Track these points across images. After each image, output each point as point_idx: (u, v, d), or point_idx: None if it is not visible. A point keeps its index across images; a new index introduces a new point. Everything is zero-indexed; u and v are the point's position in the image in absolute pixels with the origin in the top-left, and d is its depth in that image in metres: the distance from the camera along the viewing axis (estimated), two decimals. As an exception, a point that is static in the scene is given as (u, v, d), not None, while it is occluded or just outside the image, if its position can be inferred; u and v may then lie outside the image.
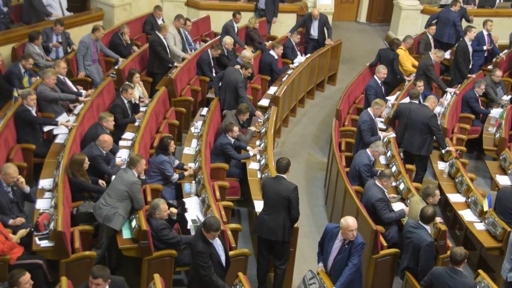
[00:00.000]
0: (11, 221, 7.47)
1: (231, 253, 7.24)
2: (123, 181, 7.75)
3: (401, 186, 9.04)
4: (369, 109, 10.01)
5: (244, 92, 10.69)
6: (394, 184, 9.03)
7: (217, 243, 6.82)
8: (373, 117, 9.95)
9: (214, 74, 11.80)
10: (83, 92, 10.50)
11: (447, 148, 9.89)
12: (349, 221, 6.82)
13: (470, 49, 12.87)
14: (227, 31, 12.96)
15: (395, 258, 8.04)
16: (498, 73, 12.14)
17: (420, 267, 7.32)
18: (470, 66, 12.99)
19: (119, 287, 6.41)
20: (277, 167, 7.83)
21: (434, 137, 9.84)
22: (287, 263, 7.85)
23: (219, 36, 13.17)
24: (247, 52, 11.68)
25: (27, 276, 6.19)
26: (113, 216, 7.59)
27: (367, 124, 9.81)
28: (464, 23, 14.08)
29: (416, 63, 12.50)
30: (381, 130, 10.44)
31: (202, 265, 6.69)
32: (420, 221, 7.47)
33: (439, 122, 10.19)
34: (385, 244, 7.97)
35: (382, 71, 11.39)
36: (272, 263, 7.95)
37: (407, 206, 8.48)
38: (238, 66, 11.04)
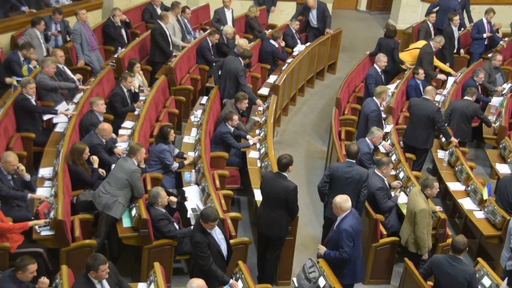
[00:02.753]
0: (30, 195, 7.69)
1: (231, 241, 7.24)
2: (123, 169, 7.74)
3: (401, 175, 9.03)
4: (375, 98, 9.93)
5: (245, 80, 10.65)
6: (393, 172, 9.04)
7: (217, 233, 6.82)
8: (380, 106, 9.92)
9: (214, 61, 11.78)
10: (75, 78, 10.44)
11: (452, 139, 9.88)
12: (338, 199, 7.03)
13: (456, 34, 13.00)
14: (217, 18, 12.99)
15: (395, 247, 8.07)
16: (499, 57, 12.15)
17: (364, 191, 7.82)
18: (464, 51, 13.23)
19: (110, 268, 6.39)
20: (277, 164, 7.70)
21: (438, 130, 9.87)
22: (279, 250, 7.80)
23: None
24: (242, 41, 11.52)
25: (35, 265, 6.29)
26: (113, 204, 7.59)
27: (376, 113, 9.76)
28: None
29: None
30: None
31: (200, 255, 6.71)
32: (348, 159, 7.89)
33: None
34: (384, 232, 8.00)
35: (382, 59, 11.35)
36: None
37: (406, 195, 8.48)
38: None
